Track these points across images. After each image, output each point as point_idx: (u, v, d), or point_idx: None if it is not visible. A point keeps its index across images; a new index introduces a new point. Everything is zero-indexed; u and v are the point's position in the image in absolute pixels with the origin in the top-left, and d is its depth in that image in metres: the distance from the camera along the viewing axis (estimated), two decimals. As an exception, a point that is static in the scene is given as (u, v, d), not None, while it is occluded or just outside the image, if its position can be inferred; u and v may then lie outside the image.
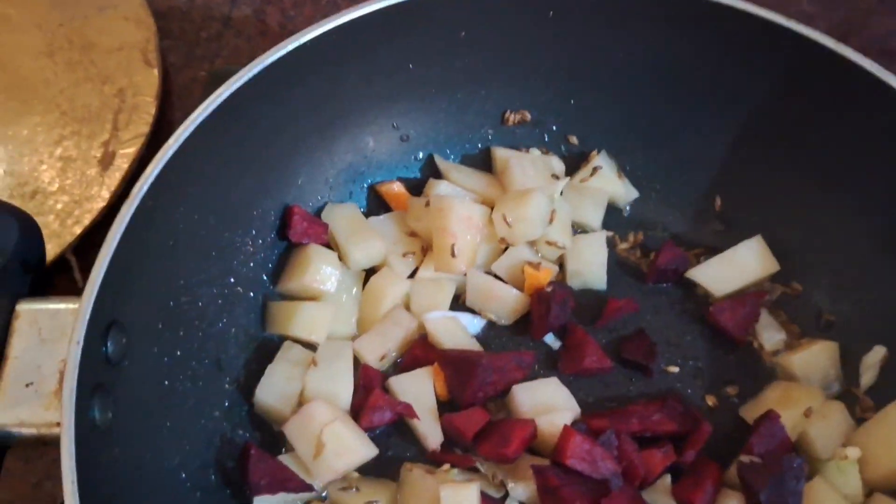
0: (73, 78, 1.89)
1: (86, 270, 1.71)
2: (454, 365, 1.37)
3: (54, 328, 1.11)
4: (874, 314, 1.47)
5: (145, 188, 1.17)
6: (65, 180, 1.79)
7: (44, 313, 1.12)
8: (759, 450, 1.32)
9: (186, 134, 1.23)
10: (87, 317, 1.06)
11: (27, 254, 1.17)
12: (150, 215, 1.18)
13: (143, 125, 1.85)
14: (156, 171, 1.19)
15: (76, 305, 1.08)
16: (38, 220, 1.24)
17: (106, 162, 1.83)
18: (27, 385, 1.08)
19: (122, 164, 1.80)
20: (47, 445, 1.08)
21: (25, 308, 1.12)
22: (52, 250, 1.63)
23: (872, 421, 1.38)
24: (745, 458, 1.32)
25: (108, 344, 1.11)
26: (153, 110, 1.86)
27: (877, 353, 1.45)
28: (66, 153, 1.84)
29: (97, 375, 1.08)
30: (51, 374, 1.08)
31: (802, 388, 1.43)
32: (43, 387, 1.07)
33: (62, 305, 1.13)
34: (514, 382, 1.39)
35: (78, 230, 1.70)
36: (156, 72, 1.88)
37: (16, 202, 1.60)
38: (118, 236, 1.13)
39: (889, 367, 1.44)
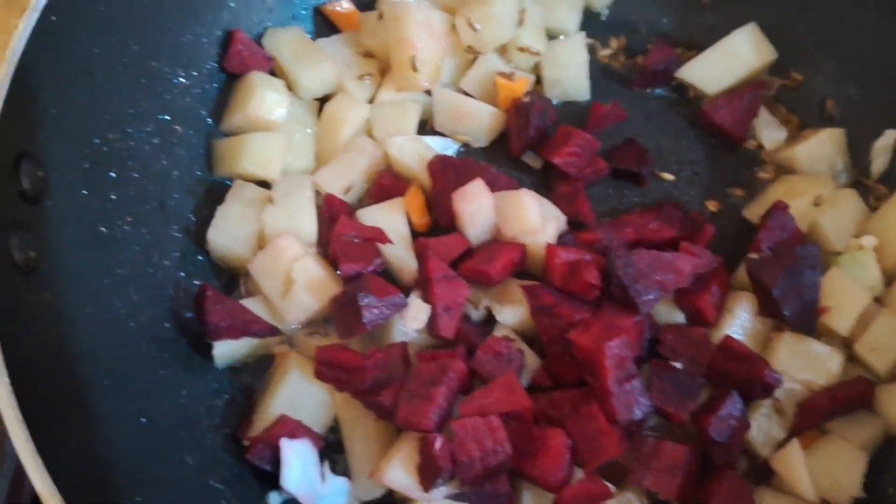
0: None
1: None
2: (456, 172, 1.22)
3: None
4: (884, 96, 1.33)
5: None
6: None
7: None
8: (769, 244, 1.20)
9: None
10: (-9, 143, 0.92)
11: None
12: (54, 33, 1.01)
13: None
14: (56, -20, 1.02)
15: (-23, 136, 0.93)
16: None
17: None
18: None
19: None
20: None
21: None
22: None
23: (887, 205, 1.26)
24: (753, 255, 1.20)
25: (21, 177, 0.96)
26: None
27: (888, 138, 1.31)
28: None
29: (12, 211, 0.94)
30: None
31: (810, 178, 1.30)
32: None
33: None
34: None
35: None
36: None
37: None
38: (18, 54, 0.97)
39: (902, 151, 1.32)
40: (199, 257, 1.23)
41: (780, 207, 1.22)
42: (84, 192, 1.07)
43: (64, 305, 0.98)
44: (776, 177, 1.34)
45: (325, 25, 1.41)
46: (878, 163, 1.32)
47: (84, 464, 0.92)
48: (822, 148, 1.32)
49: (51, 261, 0.97)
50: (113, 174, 1.13)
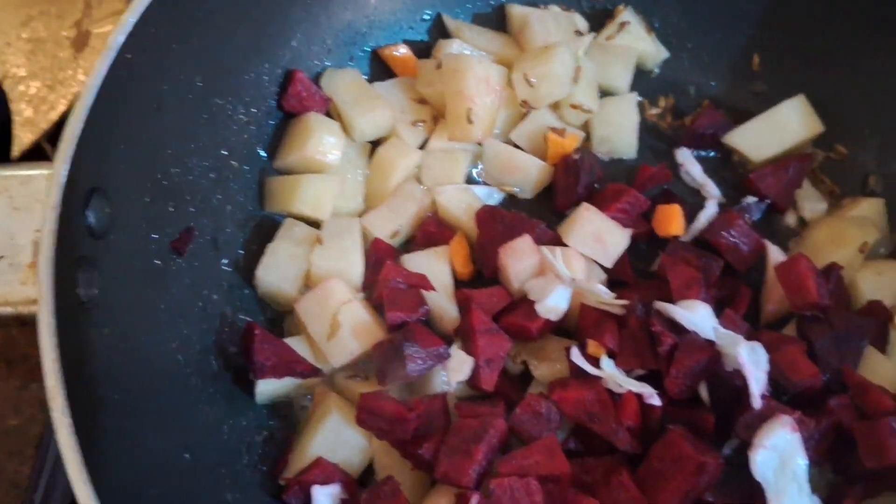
0: (36, -50, 1.72)
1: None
2: (504, 225, 1.25)
3: (27, 196, 0.99)
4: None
5: (122, 38, 1.03)
6: (35, 64, 1.65)
7: (14, 180, 0.99)
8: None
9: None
10: (64, 180, 0.93)
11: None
12: (129, 69, 1.03)
13: (118, 1, 1.70)
14: (133, 20, 1.04)
15: (50, 171, 0.96)
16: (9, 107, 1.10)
17: (80, 43, 1.67)
18: (-1, 258, 0.96)
19: (97, 45, 1.65)
20: (26, 326, 0.97)
21: (-8, 174, 0.99)
22: (26, 138, 1.49)
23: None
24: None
25: (90, 213, 0.98)
26: (129, -16, 1.71)
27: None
28: (35, 34, 1.69)
29: (80, 247, 0.96)
30: (25, 244, 0.96)
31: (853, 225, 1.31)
32: (17, 259, 0.95)
33: (35, 171, 1.00)
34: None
35: (53, 117, 1.56)
36: (128, -60, 1.70)
37: (-18, 88, 1.46)
38: (94, 90, 0.99)
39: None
40: (245, 291, 1.26)
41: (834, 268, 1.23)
42: (143, 224, 1.10)
43: (121, 340, 1.00)
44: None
45: (380, 69, 1.44)
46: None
47: (131, 501, 0.94)
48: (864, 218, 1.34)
49: (111, 295, 1.00)
50: (171, 208, 1.15)
